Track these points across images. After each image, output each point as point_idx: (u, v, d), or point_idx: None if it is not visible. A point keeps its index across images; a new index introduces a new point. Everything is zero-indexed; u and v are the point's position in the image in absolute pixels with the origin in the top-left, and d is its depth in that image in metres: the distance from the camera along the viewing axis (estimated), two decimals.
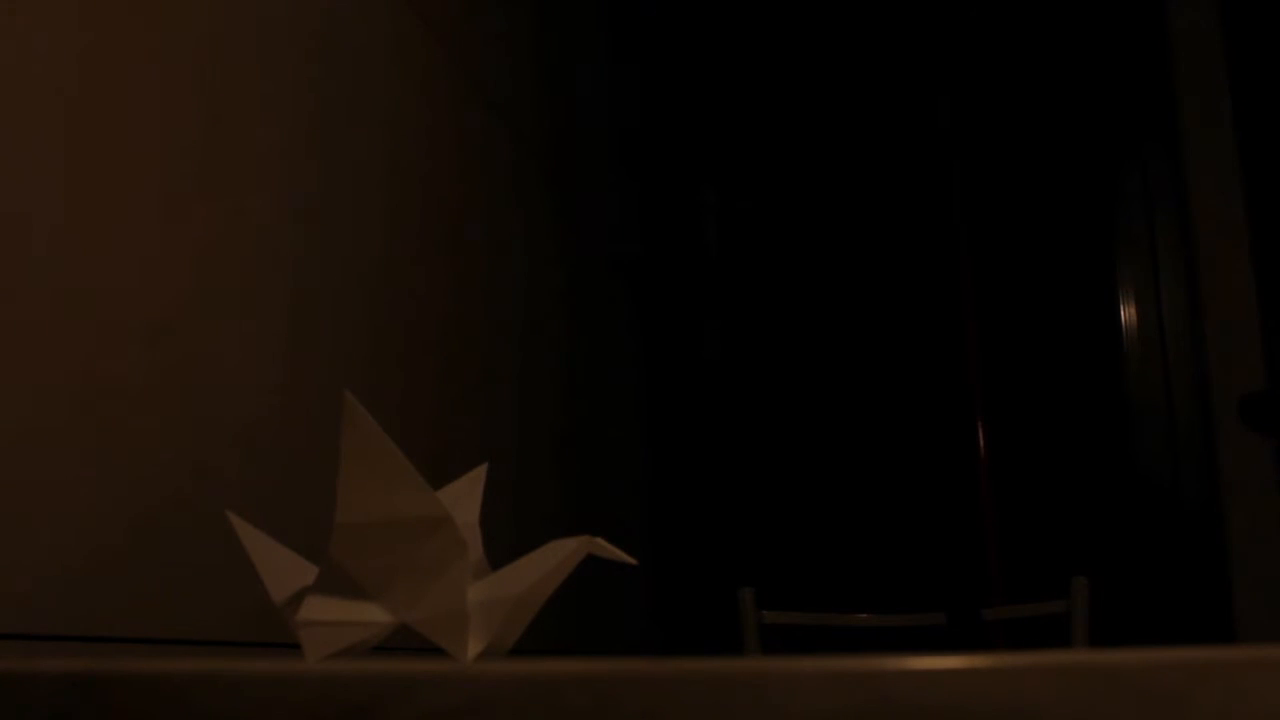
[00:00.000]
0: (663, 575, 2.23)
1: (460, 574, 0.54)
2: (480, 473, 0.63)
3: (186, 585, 0.84)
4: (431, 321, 1.31)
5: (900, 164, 2.51)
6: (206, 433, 0.89)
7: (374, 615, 0.54)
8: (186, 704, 0.38)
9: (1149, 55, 2.35)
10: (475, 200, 1.47)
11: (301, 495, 0.98)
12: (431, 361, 1.31)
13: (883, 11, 2.57)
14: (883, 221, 2.50)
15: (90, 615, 0.75)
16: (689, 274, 2.56)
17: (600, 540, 0.57)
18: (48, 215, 0.75)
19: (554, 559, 0.56)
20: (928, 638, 1.65)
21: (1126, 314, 2.31)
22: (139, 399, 0.82)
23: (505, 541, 0.66)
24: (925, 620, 1.65)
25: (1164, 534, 2.20)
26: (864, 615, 1.65)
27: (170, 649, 0.83)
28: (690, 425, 2.47)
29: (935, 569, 2.30)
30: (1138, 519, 2.23)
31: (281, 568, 0.58)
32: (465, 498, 0.61)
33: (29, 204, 0.73)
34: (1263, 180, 2.20)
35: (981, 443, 2.35)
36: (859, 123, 2.55)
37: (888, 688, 0.34)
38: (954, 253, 2.45)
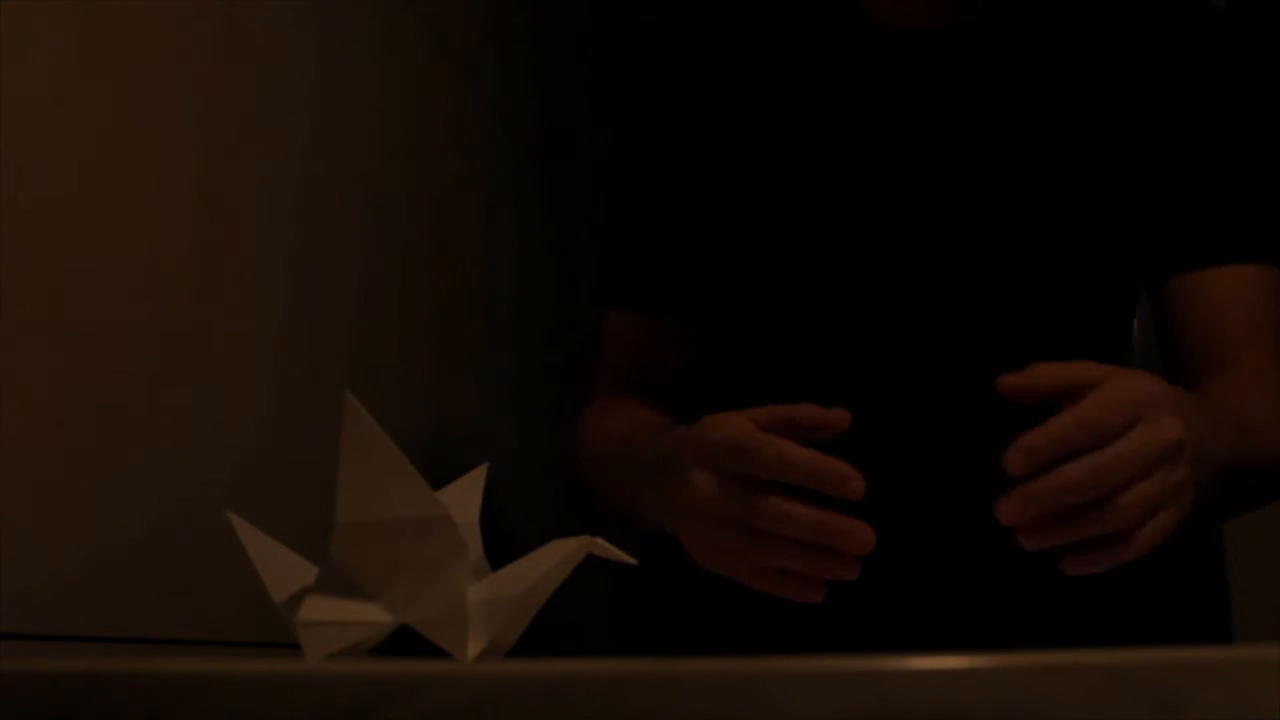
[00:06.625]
0: (662, 574, 2.23)
1: (460, 574, 0.54)
2: (480, 473, 0.63)
3: (187, 585, 0.84)
4: (428, 321, 1.31)
5: None
6: (206, 431, 0.89)
7: (374, 615, 0.54)
8: (186, 704, 0.38)
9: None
10: (472, 200, 1.47)
11: (301, 495, 0.98)
12: (428, 361, 1.31)
13: None
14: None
15: (90, 615, 0.75)
16: None
17: (600, 540, 0.57)
18: (47, 214, 0.75)
19: (554, 559, 0.56)
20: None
21: None
22: (138, 397, 0.82)
23: (505, 541, 0.66)
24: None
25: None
26: None
27: (170, 649, 0.83)
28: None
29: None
30: None
31: (281, 568, 0.58)
32: (465, 498, 0.61)
33: (28, 203, 0.73)
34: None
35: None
36: None
37: (888, 688, 0.34)
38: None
